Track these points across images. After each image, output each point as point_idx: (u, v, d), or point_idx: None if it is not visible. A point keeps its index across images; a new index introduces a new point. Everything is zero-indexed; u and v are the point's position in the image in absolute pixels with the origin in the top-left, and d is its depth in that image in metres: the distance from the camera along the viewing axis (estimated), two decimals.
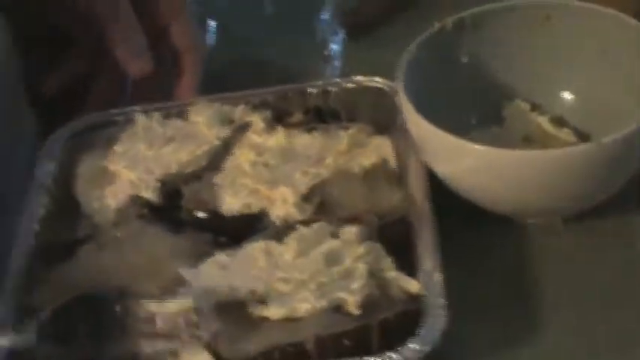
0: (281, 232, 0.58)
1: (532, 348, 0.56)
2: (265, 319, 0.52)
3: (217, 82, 0.74)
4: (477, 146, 0.57)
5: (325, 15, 0.82)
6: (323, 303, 0.52)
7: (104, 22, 0.70)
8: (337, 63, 0.78)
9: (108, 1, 0.70)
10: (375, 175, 0.62)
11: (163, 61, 0.72)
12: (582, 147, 0.57)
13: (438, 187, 0.61)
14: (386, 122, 0.66)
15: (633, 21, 0.62)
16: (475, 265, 0.60)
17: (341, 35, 0.80)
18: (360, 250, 0.55)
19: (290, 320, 0.52)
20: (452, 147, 0.58)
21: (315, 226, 0.57)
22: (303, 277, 0.54)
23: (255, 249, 0.56)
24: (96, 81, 0.73)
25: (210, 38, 0.81)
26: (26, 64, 0.71)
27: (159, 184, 0.63)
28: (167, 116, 0.68)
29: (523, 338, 0.56)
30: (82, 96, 0.72)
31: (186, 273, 0.56)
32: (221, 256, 0.56)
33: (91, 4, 0.70)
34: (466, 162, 0.58)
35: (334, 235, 0.57)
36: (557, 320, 0.57)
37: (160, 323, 0.54)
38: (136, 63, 0.70)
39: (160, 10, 0.73)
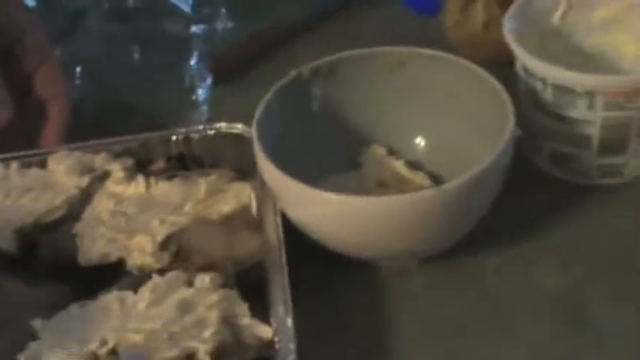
0: (137, 281, 0.58)
1: None
2: None
3: (84, 130, 0.74)
4: (324, 194, 0.58)
5: (193, 61, 0.83)
6: (175, 352, 0.53)
7: None
8: (205, 108, 0.79)
9: None
10: (234, 221, 0.63)
11: (28, 109, 0.72)
12: (429, 191, 0.58)
13: (295, 232, 0.62)
14: (247, 168, 0.67)
15: (476, 67, 0.65)
16: (330, 308, 0.62)
17: (208, 81, 0.81)
18: (214, 297, 0.56)
19: None
20: (301, 194, 0.59)
21: (170, 275, 0.58)
22: (155, 327, 0.54)
23: (110, 299, 0.56)
24: None
25: (77, 85, 0.81)
26: None
27: (15, 235, 0.63)
28: (26, 165, 0.68)
29: None
30: None
31: (39, 325, 0.55)
32: (75, 308, 0.56)
33: None
34: (315, 209, 0.60)
35: (189, 284, 0.57)
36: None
37: None
38: None
39: (25, 57, 0.73)
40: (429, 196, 0.58)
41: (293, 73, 0.67)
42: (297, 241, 0.62)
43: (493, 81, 0.64)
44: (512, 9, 0.69)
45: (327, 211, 0.59)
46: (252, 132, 0.62)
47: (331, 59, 0.68)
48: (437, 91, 0.68)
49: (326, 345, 0.59)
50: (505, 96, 0.62)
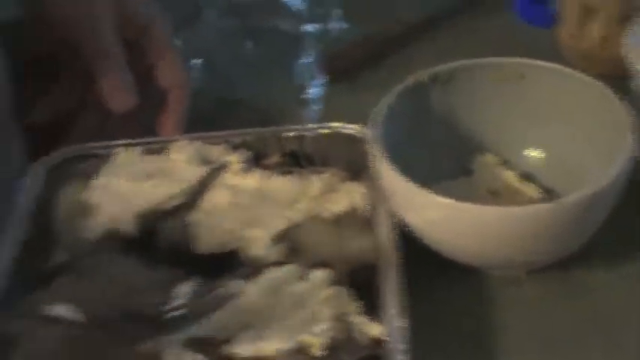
0: (252, 272, 0.60)
1: None
2: (233, 356, 0.54)
3: (199, 120, 0.76)
4: (440, 199, 0.59)
5: (306, 59, 0.84)
6: (290, 344, 0.54)
7: (90, 56, 0.72)
8: (315, 107, 0.80)
9: (95, 36, 0.72)
10: (346, 220, 0.64)
11: (149, 97, 0.74)
12: (545, 206, 0.59)
13: (406, 236, 0.63)
14: (358, 169, 0.68)
15: (598, 82, 0.65)
16: (439, 313, 0.62)
17: (320, 79, 0.82)
18: (327, 293, 0.57)
19: (257, 359, 0.53)
20: (417, 198, 0.60)
21: (285, 268, 0.59)
22: (270, 318, 0.55)
23: (226, 287, 0.58)
24: (82, 114, 0.74)
25: (195, 76, 0.83)
26: (16, 92, 0.73)
27: (137, 219, 0.65)
28: (148, 152, 0.70)
29: None
30: (67, 127, 0.74)
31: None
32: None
33: (76, 38, 0.72)
34: (431, 213, 0.61)
35: (303, 279, 0.59)
36: None
37: None
38: (119, 97, 0.72)
39: (149, 48, 0.75)
40: (545, 210, 0.58)
41: (412, 78, 0.67)
42: (408, 244, 0.62)
43: (615, 98, 0.64)
44: (633, 25, 0.69)
45: (445, 217, 0.59)
46: (373, 134, 0.63)
47: (451, 66, 0.68)
48: (555, 105, 0.68)
49: (433, 348, 0.59)
50: (627, 115, 0.62)
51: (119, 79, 0.72)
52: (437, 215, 0.60)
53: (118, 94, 0.71)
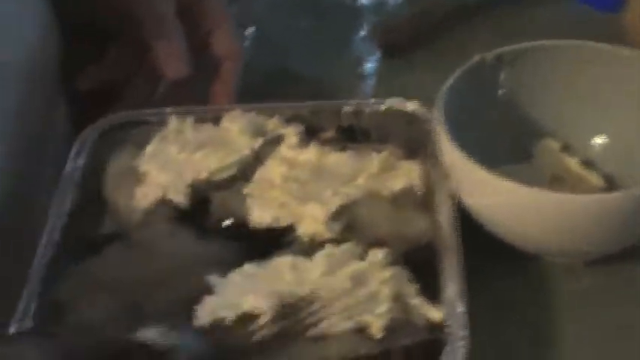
0: (309, 248, 0.58)
1: None
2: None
3: (250, 92, 0.75)
4: (507, 182, 0.57)
5: (363, 32, 0.83)
6: (349, 324, 0.53)
7: (146, 22, 0.71)
8: (370, 82, 0.78)
9: (150, 3, 0.71)
10: (403, 199, 0.63)
11: (203, 66, 0.73)
12: (613, 195, 0.57)
13: (465, 218, 0.61)
14: (416, 147, 0.67)
15: None
16: (496, 298, 0.61)
17: (377, 54, 0.80)
18: (386, 274, 0.56)
19: (316, 339, 0.52)
20: (482, 180, 0.59)
21: (344, 246, 0.58)
22: (329, 297, 0.54)
23: (283, 263, 0.57)
24: (133, 82, 0.73)
25: (248, 45, 0.82)
26: (66, 56, 0.71)
27: (188, 189, 0.64)
28: (200, 121, 0.68)
29: None
30: (116, 95, 0.73)
31: (214, 281, 0.56)
32: (250, 268, 0.57)
33: (132, 6, 0.71)
34: (495, 197, 0.59)
35: (361, 257, 0.57)
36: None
37: None
38: (174, 64, 0.70)
39: (204, 15, 0.73)
40: (611, 199, 0.57)
41: (477, 57, 0.65)
42: (466, 228, 0.61)
43: None
44: None
45: (508, 201, 0.58)
46: (436, 113, 0.62)
47: (516, 48, 0.66)
48: (619, 90, 0.66)
49: (491, 334, 0.58)
50: None
51: (175, 46, 0.70)
52: (500, 199, 0.58)
53: (173, 61, 0.70)
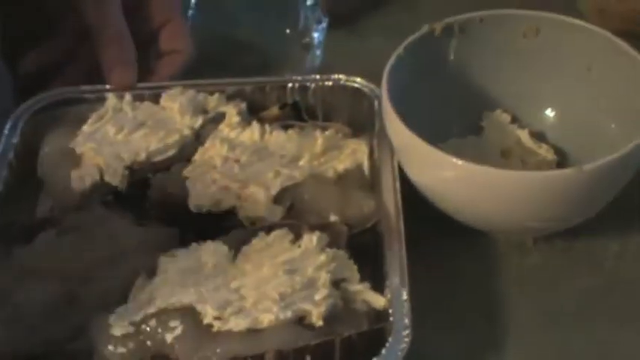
0: (245, 236, 0.56)
1: None
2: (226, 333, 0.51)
3: (194, 62, 0.72)
4: (455, 159, 0.56)
5: (309, 1, 0.80)
6: (287, 314, 0.51)
7: (92, 23, 0.67)
8: (318, 52, 0.76)
9: (98, 6, 0.67)
10: (349, 180, 0.61)
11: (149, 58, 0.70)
12: (563, 172, 0.55)
13: (410, 195, 0.60)
14: (363, 124, 0.65)
15: (622, 42, 0.61)
16: (441, 277, 0.60)
17: (324, 24, 0.78)
18: (322, 258, 0.54)
19: (252, 332, 0.50)
20: (429, 157, 0.57)
21: (275, 233, 0.56)
22: (264, 288, 0.52)
23: (217, 254, 0.55)
24: (72, 66, 0.70)
25: (191, 14, 0.79)
26: (5, 38, 0.68)
27: (126, 171, 0.61)
28: (138, 98, 0.66)
29: (487, 356, 0.56)
30: (55, 79, 0.70)
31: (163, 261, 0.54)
32: (182, 253, 0.55)
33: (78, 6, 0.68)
34: (444, 174, 0.57)
35: (296, 243, 0.55)
36: (519, 339, 0.57)
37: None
38: (119, 73, 0.67)
39: (152, 14, 0.70)
40: (564, 176, 0.55)
41: (425, 28, 0.63)
42: (413, 205, 0.59)
43: (637, 55, 0.60)
44: None
45: (458, 178, 0.56)
46: (383, 88, 0.59)
47: (464, 17, 0.64)
48: (572, 62, 0.64)
49: (437, 314, 0.57)
50: None
51: (120, 52, 0.67)
52: (449, 176, 0.57)
53: (118, 69, 0.67)
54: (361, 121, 0.65)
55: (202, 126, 0.63)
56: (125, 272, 0.55)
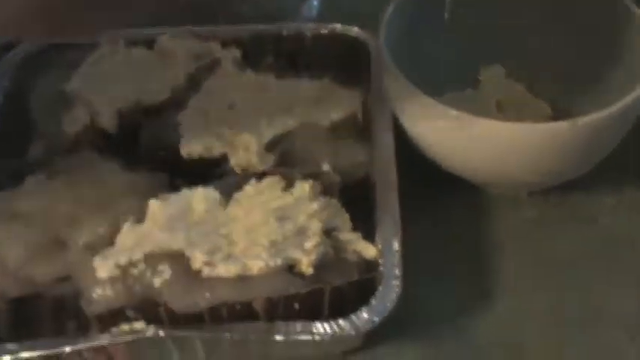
0: (236, 182, 0.55)
1: (486, 317, 0.55)
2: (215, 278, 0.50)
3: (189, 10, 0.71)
4: (451, 110, 0.55)
5: None
6: (277, 262, 0.50)
7: None
8: (315, 2, 0.75)
9: None
10: (342, 129, 0.60)
11: None
12: (559, 124, 0.54)
13: (404, 146, 0.59)
14: (358, 74, 0.64)
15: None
16: (433, 229, 0.59)
17: None
18: (314, 206, 0.53)
19: (241, 278, 0.50)
20: (425, 107, 0.56)
21: (266, 181, 0.55)
22: (255, 234, 0.52)
23: (208, 200, 0.54)
24: None
25: None
26: None
27: (117, 115, 0.61)
28: (133, 43, 0.65)
29: (477, 306, 0.56)
30: None
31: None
32: (173, 197, 0.54)
33: None
34: (439, 124, 0.56)
35: (287, 191, 0.55)
36: (511, 291, 0.57)
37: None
38: None
39: None
40: (559, 129, 0.54)
41: None
42: (406, 156, 0.59)
43: (636, 8, 0.59)
44: None
45: (453, 129, 0.55)
46: (380, 40, 0.58)
47: None
48: (568, 14, 0.63)
49: (428, 267, 0.56)
50: None
51: None
52: (444, 126, 0.56)
53: None
54: (357, 70, 0.64)
55: (196, 72, 0.63)
56: (113, 216, 0.55)
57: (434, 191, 0.60)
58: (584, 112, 0.55)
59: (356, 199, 0.56)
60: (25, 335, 0.51)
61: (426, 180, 0.60)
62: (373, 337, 0.52)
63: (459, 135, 0.56)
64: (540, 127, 0.55)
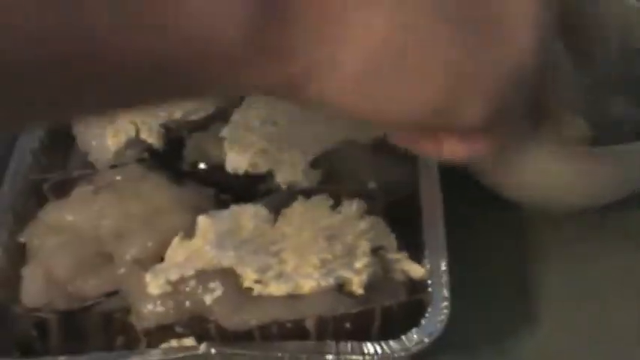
0: (283, 200, 0.56)
1: (530, 339, 0.55)
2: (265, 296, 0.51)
3: None
4: None
5: None
6: (329, 281, 0.50)
7: None
8: None
9: None
10: (385, 147, 0.60)
11: None
12: (603, 149, 0.55)
13: (447, 164, 0.59)
14: None
15: None
16: (477, 250, 0.59)
17: None
18: (362, 225, 0.54)
19: (292, 297, 0.50)
20: None
21: (315, 198, 0.55)
22: (305, 253, 0.52)
23: (257, 217, 0.54)
24: None
25: None
26: None
27: (162, 129, 0.61)
28: None
29: (522, 329, 0.56)
30: None
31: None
32: (219, 214, 0.55)
33: None
34: None
35: (335, 209, 0.55)
36: (555, 313, 0.57)
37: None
38: None
39: None
40: (605, 153, 0.55)
41: None
42: (450, 174, 0.59)
43: None
44: None
45: None
46: None
47: None
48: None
49: (470, 286, 0.56)
50: None
51: None
52: None
53: None
54: None
55: None
56: (161, 231, 0.55)
57: (475, 209, 0.61)
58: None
59: (400, 217, 0.56)
60: (74, 349, 0.51)
61: (468, 198, 0.60)
62: (418, 358, 0.53)
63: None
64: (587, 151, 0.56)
